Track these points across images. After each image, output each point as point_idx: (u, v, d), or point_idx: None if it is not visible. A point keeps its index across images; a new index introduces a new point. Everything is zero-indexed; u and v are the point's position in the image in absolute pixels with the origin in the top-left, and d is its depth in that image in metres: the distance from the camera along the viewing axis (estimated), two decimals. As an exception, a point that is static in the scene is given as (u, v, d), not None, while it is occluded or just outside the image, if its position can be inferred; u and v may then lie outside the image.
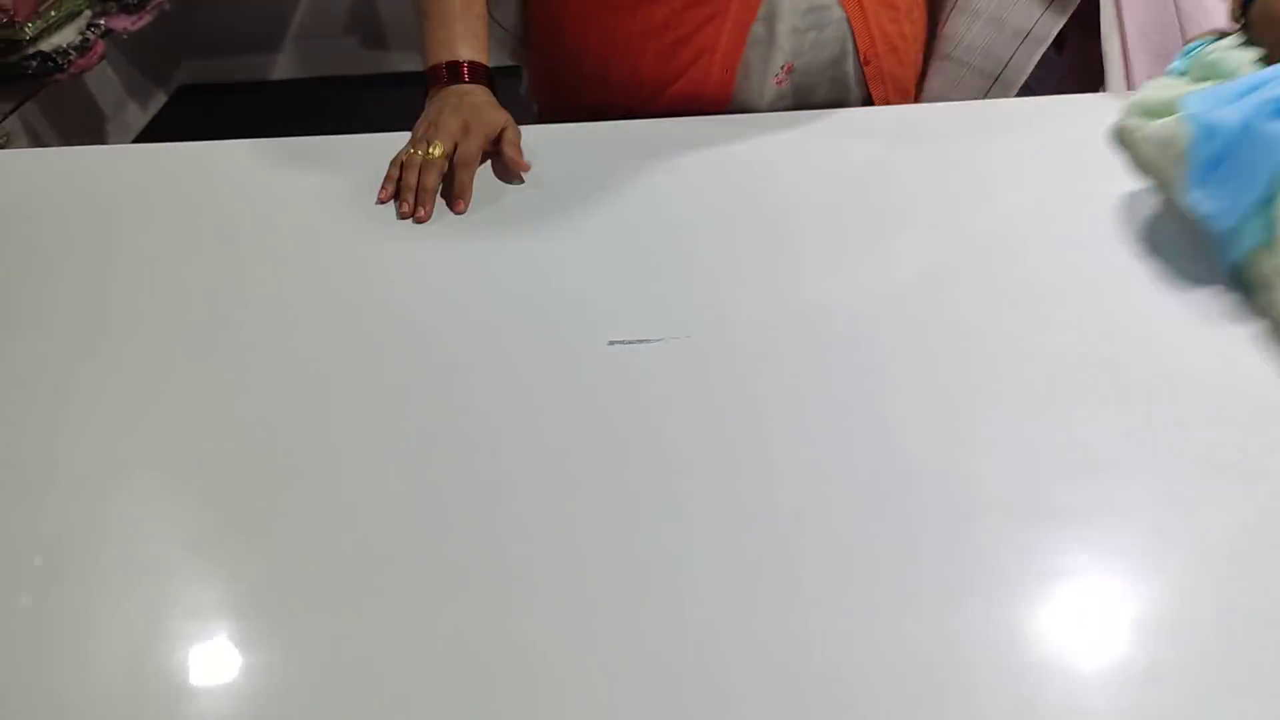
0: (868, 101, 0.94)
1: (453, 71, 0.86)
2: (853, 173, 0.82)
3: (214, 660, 0.50)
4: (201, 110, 2.89)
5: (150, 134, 2.71)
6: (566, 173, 0.83)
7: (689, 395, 0.62)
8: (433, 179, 0.79)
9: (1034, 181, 0.79)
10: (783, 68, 0.90)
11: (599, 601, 0.51)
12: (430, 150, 0.79)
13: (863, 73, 0.92)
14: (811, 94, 0.93)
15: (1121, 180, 0.76)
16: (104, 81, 2.54)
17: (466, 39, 0.87)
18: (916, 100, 1.00)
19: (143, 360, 0.67)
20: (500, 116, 0.84)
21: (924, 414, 0.60)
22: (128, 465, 0.60)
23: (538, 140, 0.85)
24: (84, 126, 2.45)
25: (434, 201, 0.79)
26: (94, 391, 0.65)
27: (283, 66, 2.99)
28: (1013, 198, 0.77)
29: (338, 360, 0.66)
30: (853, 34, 0.89)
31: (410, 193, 0.78)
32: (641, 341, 0.64)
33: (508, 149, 0.82)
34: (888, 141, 0.85)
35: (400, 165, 0.81)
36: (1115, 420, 0.58)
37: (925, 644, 0.48)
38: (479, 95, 0.85)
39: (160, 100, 2.87)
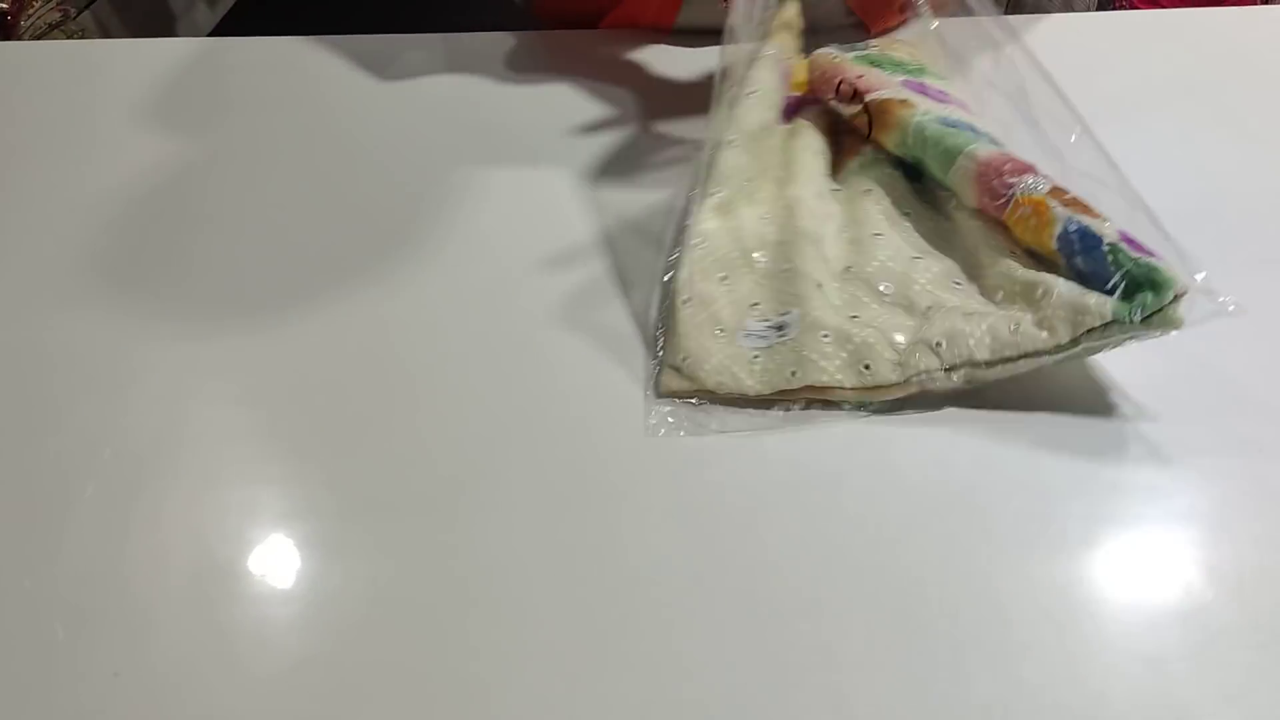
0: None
1: None
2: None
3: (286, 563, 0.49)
4: (269, 11, 2.85)
5: (220, 35, 2.69)
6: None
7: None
8: None
9: None
10: None
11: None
12: None
13: None
14: None
15: None
16: (173, -21, 2.51)
17: None
18: None
19: (227, 254, 0.66)
20: None
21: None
22: (209, 362, 0.59)
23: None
24: (154, 25, 2.44)
25: None
26: (177, 286, 0.64)
27: (352, -32, 2.94)
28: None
29: (417, 255, 0.65)
30: None
31: None
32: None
33: None
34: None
35: None
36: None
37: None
38: None
39: (229, 1, 2.84)
